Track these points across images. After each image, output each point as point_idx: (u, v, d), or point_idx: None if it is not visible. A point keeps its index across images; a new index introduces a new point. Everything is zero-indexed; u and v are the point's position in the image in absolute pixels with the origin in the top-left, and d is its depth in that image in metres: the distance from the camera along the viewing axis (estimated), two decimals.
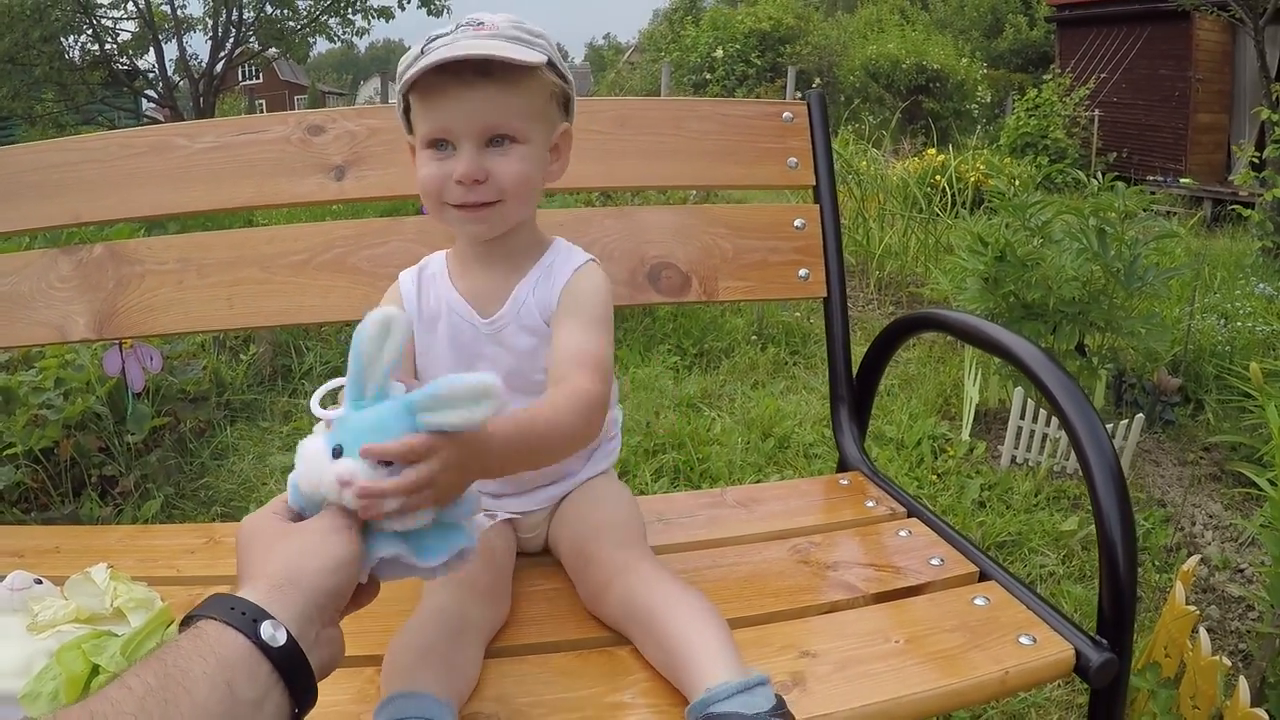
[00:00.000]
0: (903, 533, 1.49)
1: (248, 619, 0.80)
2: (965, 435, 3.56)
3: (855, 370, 1.83)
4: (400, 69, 1.22)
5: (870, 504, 1.60)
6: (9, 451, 2.86)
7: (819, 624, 1.24)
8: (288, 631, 0.81)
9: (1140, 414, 3.33)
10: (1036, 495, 3.10)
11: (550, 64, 1.24)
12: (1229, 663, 2.00)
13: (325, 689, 1.09)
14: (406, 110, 1.28)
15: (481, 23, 1.21)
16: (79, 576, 1.23)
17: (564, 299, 1.31)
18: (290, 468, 0.96)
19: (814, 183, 1.86)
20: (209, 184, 1.74)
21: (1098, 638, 1.19)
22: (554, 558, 1.40)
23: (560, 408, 1.13)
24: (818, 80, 19.83)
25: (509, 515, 1.39)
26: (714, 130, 1.85)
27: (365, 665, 1.13)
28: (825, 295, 1.83)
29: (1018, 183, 6.07)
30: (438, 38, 1.20)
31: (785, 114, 1.87)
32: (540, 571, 1.37)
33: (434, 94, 1.19)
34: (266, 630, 0.79)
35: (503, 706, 1.05)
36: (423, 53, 1.18)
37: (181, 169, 1.74)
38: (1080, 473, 3.21)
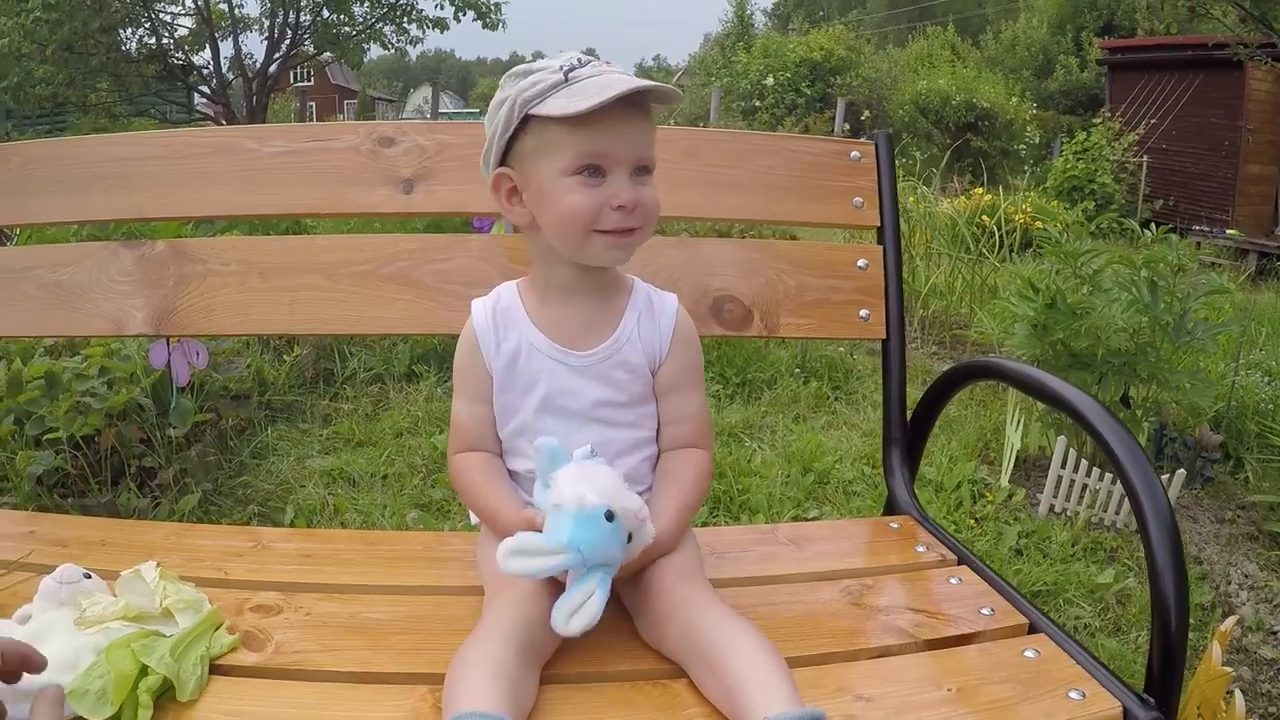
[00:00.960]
0: (953, 580, 1.47)
1: None
2: (1004, 481, 3.53)
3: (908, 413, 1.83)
4: (532, 93, 1.23)
5: (921, 549, 1.59)
6: (50, 436, 2.88)
7: (871, 668, 1.23)
8: None
9: (1181, 469, 3.30)
10: (1074, 546, 3.06)
11: None
12: None
13: (377, 704, 1.09)
14: (510, 138, 1.29)
15: (597, 57, 1.27)
16: (130, 574, 1.23)
17: (678, 348, 1.37)
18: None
19: (878, 223, 1.85)
20: (277, 188, 1.76)
21: (1145, 696, 1.17)
22: None
23: (700, 486, 1.38)
24: (867, 113, 19.83)
25: None
26: (780, 165, 1.85)
27: (419, 684, 1.12)
28: (884, 337, 1.82)
29: (1068, 229, 6.03)
30: (575, 68, 1.23)
31: (853, 153, 1.87)
32: None
33: (593, 122, 1.20)
34: None
35: None
36: (566, 80, 1.21)
37: (250, 171, 1.76)
38: (1118, 526, 3.20)
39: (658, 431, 1.40)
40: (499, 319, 1.37)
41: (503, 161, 1.31)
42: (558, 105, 1.20)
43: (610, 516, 1.11)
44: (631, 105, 1.21)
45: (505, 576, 1.23)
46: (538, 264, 1.37)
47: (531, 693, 1.08)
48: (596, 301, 1.34)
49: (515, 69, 1.29)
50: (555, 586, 1.24)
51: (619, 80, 1.19)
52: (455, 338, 1.39)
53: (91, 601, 1.16)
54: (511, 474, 1.39)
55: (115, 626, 1.15)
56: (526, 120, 1.24)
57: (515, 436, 1.37)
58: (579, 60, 1.24)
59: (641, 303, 1.37)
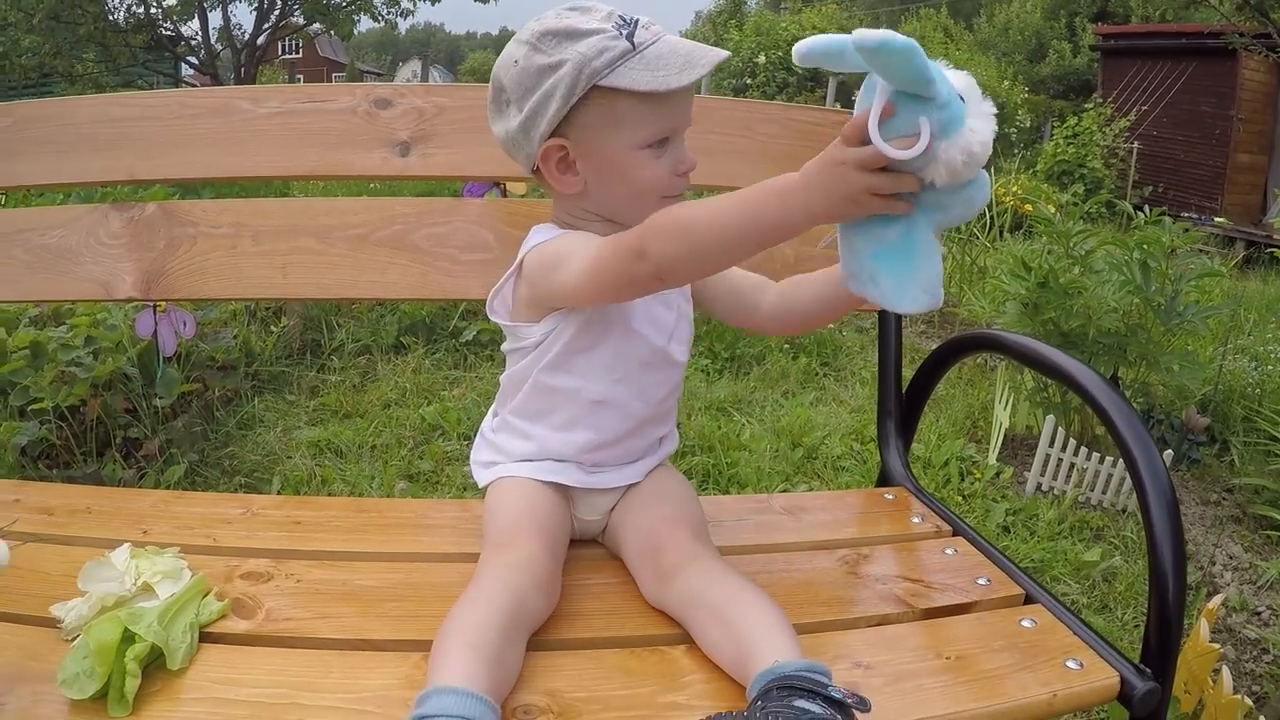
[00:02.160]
0: (948, 550, 1.47)
1: None
2: (992, 459, 3.54)
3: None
4: (600, 62, 1.18)
5: (916, 520, 1.59)
6: (35, 406, 2.85)
7: (870, 636, 1.23)
8: None
9: (1168, 450, 3.30)
10: (1060, 524, 3.07)
11: None
12: (1249, 702, 1.98)
13: (370, 672, 1.08)
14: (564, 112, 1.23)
15: (641, 17, 1.24)
16: (92, 563, 1.19)
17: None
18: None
19: None
20: (271, 150, 1.73)
21: (1142, 666, 1.18)
22: (604, 550, 1.39)
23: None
24: (858, 92, 19.75)
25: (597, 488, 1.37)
26: (781, 134, 1.83)
27: (412, 650, 1.11)
28: (880, 312, 1.81)
29: (1062, 209, 6.03)
30: (632, 32, 1.20)
31: None
32: (591, 564, 1.35)
33: (671, 96, 1.20)
34: None
35: (554, 700, 1.03)
36: (635, 47, 1.19)
37: (243, 133, 1.73)
38: (1105, 505, 3.20)
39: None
40: None
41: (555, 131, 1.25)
42: (639, 79, 1.18)
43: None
44: None
45: (506, 537, 1.23)
46: (567, 224, 1.34)
47: (515, 663, 1.06)
48: None
49: (548, 24, 1.22)
50: (554, 550, 1.24)
51: (692, 51, 1.20)
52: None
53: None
54: (555, 394, 1.34)
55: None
56: (590, 91, 1.20)
57: (573, 353, 1.31)
58: (623, 21, 1.21)
59: None
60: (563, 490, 1.35)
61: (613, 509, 1.38)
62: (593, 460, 1.35)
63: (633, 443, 1.37)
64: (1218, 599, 2.20)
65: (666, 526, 1.27)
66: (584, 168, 1.27)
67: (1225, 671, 1.89)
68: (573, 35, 1.19)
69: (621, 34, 1.19)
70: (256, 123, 1.73)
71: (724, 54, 1.23)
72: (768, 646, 1.02)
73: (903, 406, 1.81)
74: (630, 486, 1.38)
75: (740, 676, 1.04)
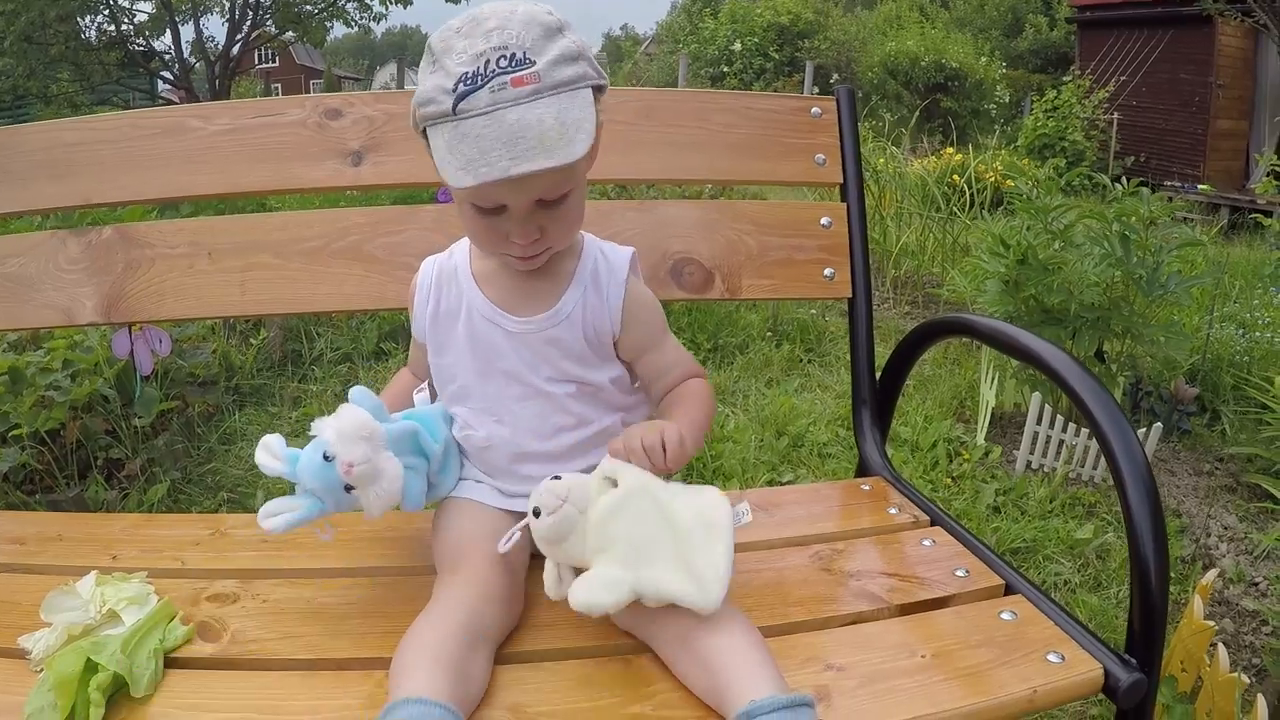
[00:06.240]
0: (926, 542, 1.45)
1: None
2: (980, 439, 3.53)
3: (878, 373, 1.80)
4: (426, 112, 1.13)
5: (893, 511, 1.57)
6: (15, 433, 2.83)
7: (843, 635, 1.21)
8: None
9: (1158, 423, 3.29)
10: (1051, 502, 3.06)
11: (593, 71, 1.17)
12: (1247, 679, 1.97)
13: (333, 691, 1.06)
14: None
15: (521, 63, 1.10)
16: (54, 593, 1.19)
17: (631, 318, 1.33)
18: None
19: (841, 180, 1.82)
20: (223, 167, 1.71)
21: (1126, 656, 1.15)
22: None
23: (705, 402, 1.35)
24: (835, 76, 19.80)
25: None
26: (740, 124, 1.81)
27: (376, 668, 1.10)
28: (850, 296, 1.79)
29: (1039, 185, 6.01)
30: (470, 89, 1.09)
31: (814, 109, 1.83)
32: None
33: None
34: None
35: (517, 715, 1.01)
36: (455, 113, 1.09)
37: (196, 151, 1.72)
38: (1095, 481, 3.19)
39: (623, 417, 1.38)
40: (443, 278, 1.35)
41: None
42: (439, 150, 1.12)
43: (327, 457, 1.16)
44: None
45: (457, 556, 1.22)
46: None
47: (480, 676, 1.05)
48: (542, 269, 1.30)
49: (443, 35, 1.15)
50: (508, 565, 1.22)
51: (510, 144, 1.07)
52: None
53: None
54: (459, 442, 1.38)
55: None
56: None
57: (455, 401, 1.36)
58: (478, 73, 1.09)
59: (588, 274, 1.32)
60: None
61: None
62: (503, 488, 1.36)
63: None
64: (1212, 574, 2.18)
65: None
66: None
67: (1221, 649, 1.87)
68: (436, 63, 1.13)
69: (456, 90, 1.09)
70: (209, 140, 1.72)
71: (541, 165, 1.07)
72: (738, 682, 0.99)
73: (877, 395, 1.79)
74: None
75: (717, 708, 1.02)
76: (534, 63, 1.10)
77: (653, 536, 1.09)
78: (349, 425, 1.17)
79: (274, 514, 1.19)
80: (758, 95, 1.88)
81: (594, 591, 1.05)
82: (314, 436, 1.19)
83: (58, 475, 2.89)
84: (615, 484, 1.12)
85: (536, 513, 1.11)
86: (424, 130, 1.16)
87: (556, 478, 1.13)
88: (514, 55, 1.09)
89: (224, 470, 3.15)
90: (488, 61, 1.09)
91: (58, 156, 1.73)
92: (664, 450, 1.15)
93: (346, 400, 1.22)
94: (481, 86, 1.08)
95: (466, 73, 1.09)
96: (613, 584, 1.06)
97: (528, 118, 1.08)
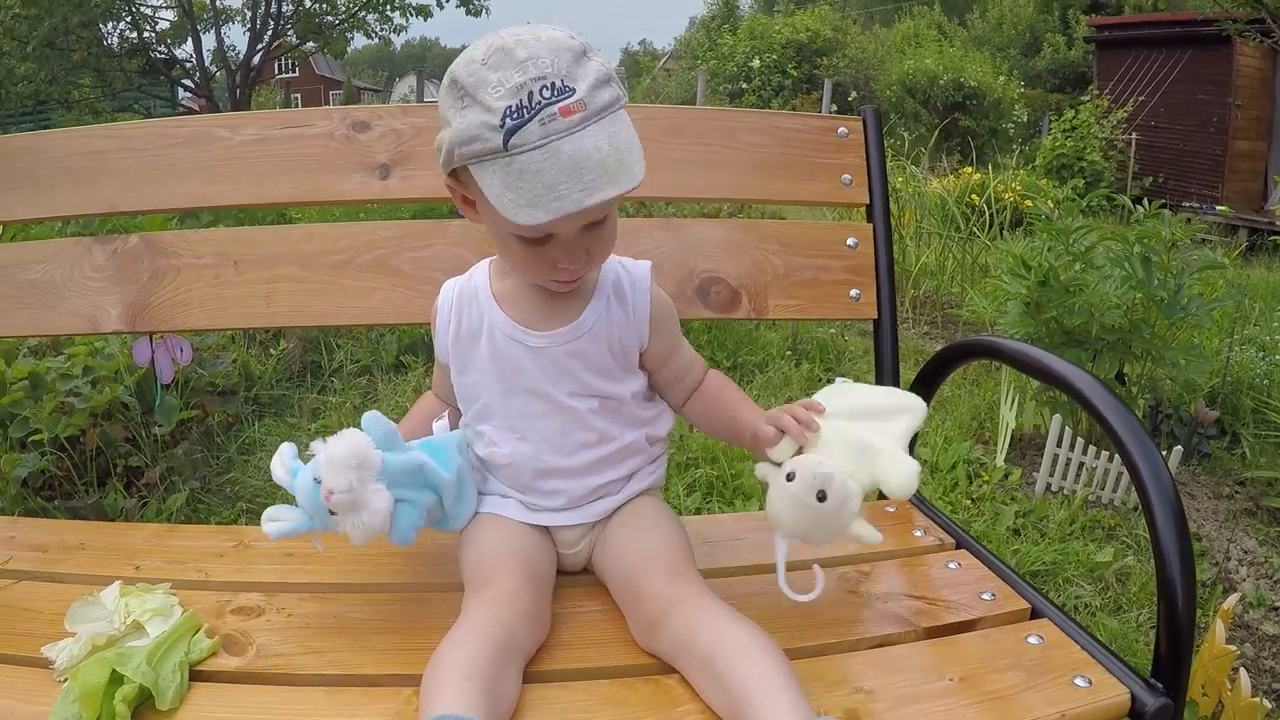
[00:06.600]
0: (952, 565, 1.45)
1: None
2: (1000, 461, 3.51)
3: None
4: (468, 150, 1.09)
5: (918, 533, 1.56)
6: (34, 438, 2.84)
7: (871, 658, 1.20)
8: None
9: (1178, 446, 3.27)
10: (1071, 525, 3.05)
11: (622, 92, 1.15)
12: (1269, 704, 1.96)
13: (360, 707, 1.06)
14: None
15: (562, 91, 1.08)
16: (79, 603, 1.19)
17: (658, 327, 1.36)
18: None
19: (867, 201, 1.81)
20: (249, 178, 1.72)
21: (1153, 681, 1.14)
22: (595, 576, 1.36)
23: (734, 389, 1.46)
24: (854, 94, 19.80)
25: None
26: (766, 143, 1.81)
27: (403, 685, 1.09)
28: (875, 317, 1.78)
29: (1059, 206, 6.01)
30: (519, 122, 1.06)
31: (840, 129, 1.83)
32: (582, 591, 1.33)
33: None
34: None
35: None
36: (507, 149, 1.06)
37: (221, 161, 1.72)
38: (1115, 504, 3.17)
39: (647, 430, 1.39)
40: (464, 299, 1.35)
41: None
42: (493, 188, 1.09)
43: (317, 479, 1.17)
44: None
45: (485, 574, 1.21)
46: (505, 271, 1.35)
47: (511, 693, 1.04)
48: None
49: (467, 68, 1.11)
50: (537, 581, 1.22)
51: (574, 174, 1.06)
52: None
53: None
54: (479, 460, 1.38)
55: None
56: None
57: (479, 420, 1.36)
58: (523, 106, 1.06)
59: (610, 287, 1.33)
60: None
61: (596, 543, 1.36)
62: (529, 503, 1.36)
63: (568, 492, 1.35)
64: (1233, 598, 2.17)
65: (641, 571, 1.23)
66: (481, 212, 1.21)
67: (1243, 673, 1.86)
68: (468, 98, 1.09)
69: (504, 125, 1.06)
70: (235, 150, 1.72)
71: (611, 194, 1.07)
72: (763, 707, 0.98)
73: None
74: (608, 516, 1.37)
75: None
76: (574, 90, 1.08)
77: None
78: (340, 452, 1.16)
79: (272, 519, 1.23)
80: (784, 114, 1.88)
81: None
82: (313, 456, 1.20)
83: (77, 482, 2.90)
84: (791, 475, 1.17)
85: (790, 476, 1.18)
86: (455, 168, 1.15)
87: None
88: (554, 84, 1.07)
89: (243, 480, 3.15)
90: (530, 94, 1.06)
91: (83, 163, 1.74)
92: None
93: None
94: (530, 119, 1.06)
95: (510, 106, 1.06)
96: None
97: (584, 147, 1.07)
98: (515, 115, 1.06)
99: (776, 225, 1.83)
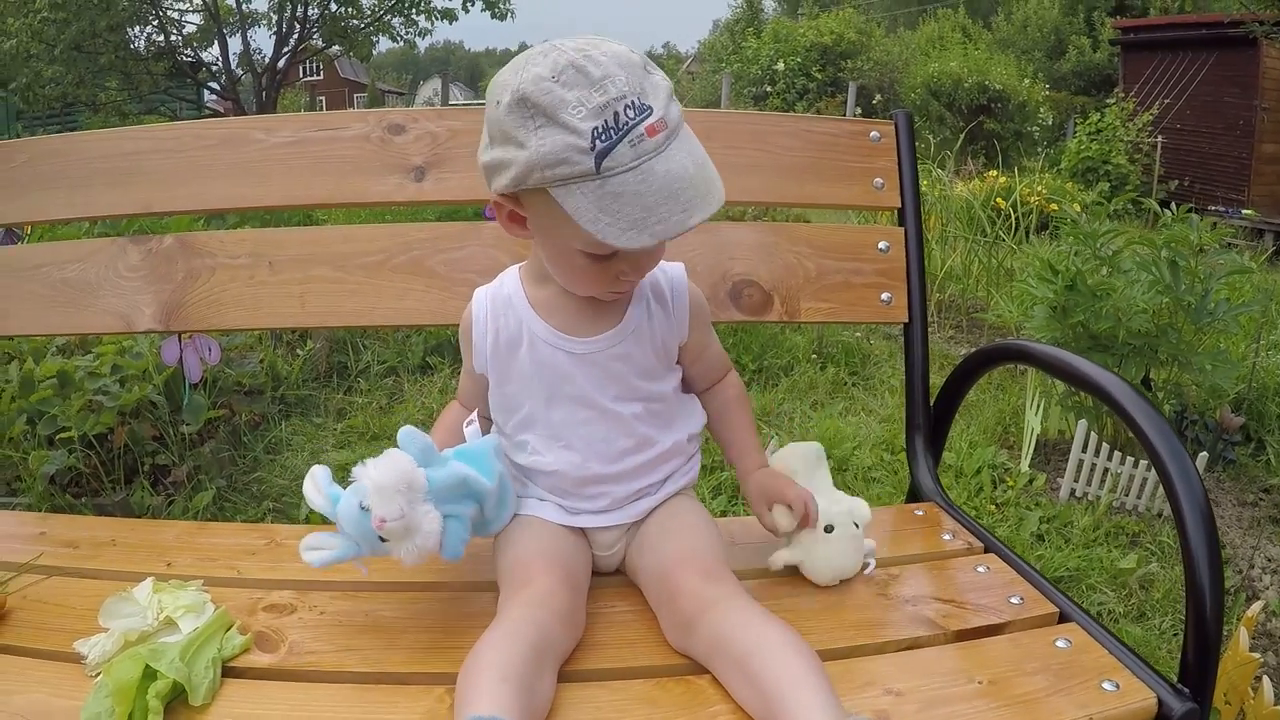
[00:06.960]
0: (980, 568, 1.44)
1: None
2: (1025, 466, 3.50)
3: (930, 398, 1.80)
4: (554, 174, 1.06)
5: (946, 537, 1.56)
6: (63, 436, 2.86)
7: (900, 660, 1.20)
8: None
9: (1203, 452, 3.26)
10: (1096, 531, 3.03)
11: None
12: None
13: (393, 706, 1.07)
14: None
15: (643, 110, 1.06)
16: (113, 598, 1.21)
17: (694, 328, 1.38)
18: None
19: (899, 204, 1.82)
20: (284, 179, 1.73)
21: (1180, 686, 1.14)
22: (628, 577, 1.37)
23: (747, 409, 1.49)
24: (878, 97, 19.75)
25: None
26: (798, 147, 1.81)
27: (435, 684, 1.10)
28: (906, 320, 1.79)
29: (1086, 210, 5.97)
30: (609, 143, 1.04)
31: (873, 133, 1.83)
32: (615, 592, 1.34)
33: None
34: None
35: None
36: (599, 171, 1.04)
37: (256, 163, 1.74)
38: (1140, 510, 3.16)
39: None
40: (498, 308, 1.35)
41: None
42: (584, 211, 1.06)
43: (364, 507, 1.16)
44: None
45: (523, 576, 1.21)
46: (535, 259, 1.34)
47: (546, 694, 1.05)
48: None
49: (536, 84, 1.06)
50: (572, 583, 1.23)
51: (671, 197, 1.06)
52: None
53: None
54: (518, 468, 1.38)
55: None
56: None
57: (522, 429, 1.36)
58: (609, 126, 1.04)
59: (647, 289, 1.34)
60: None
61: (630, 544, 1.37)
62: (565, 505, 1.36)
63: (605, 494, 1.36)
64: (1257, 606, 2.15)
65: (677, 570, 1.23)
66: (532, 229, 1.22)
67: (1266, 681, 1.85)
68: (547, 118, 1.06)
69: (594, 147, 1.04)
70: (270, 152, 1.73)
71: (708, 213, 1.08)
72: (796, 708, 0.98)
73: (930, 420, 1.78)
74: (644, 518, 1.37)
75: None
76: (652, 108, 1.07)
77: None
78: (387, 478, 1.15)
79: (313, 548, 1.22)
80: (817, 119, 1.87)
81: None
82: (353, 481, 1.19)
83: (104, 479, 2.92)
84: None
85: (829, 529, 1.37)
86: (527, 189, 1.13)
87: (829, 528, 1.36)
88: (634, 102, 1.06)
89: (269, 480, 3.17)
90: (616, 114, 1.04)
91: (117, 164, 1.75)
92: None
93: (395, 435, 1.22)
94: (619, 140, 1.04)
95: (596, 127, 1.04)
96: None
97: (673, 167, 1.07)
98: (604, 137, 1.04)
99: (808, 228, 1.83)
